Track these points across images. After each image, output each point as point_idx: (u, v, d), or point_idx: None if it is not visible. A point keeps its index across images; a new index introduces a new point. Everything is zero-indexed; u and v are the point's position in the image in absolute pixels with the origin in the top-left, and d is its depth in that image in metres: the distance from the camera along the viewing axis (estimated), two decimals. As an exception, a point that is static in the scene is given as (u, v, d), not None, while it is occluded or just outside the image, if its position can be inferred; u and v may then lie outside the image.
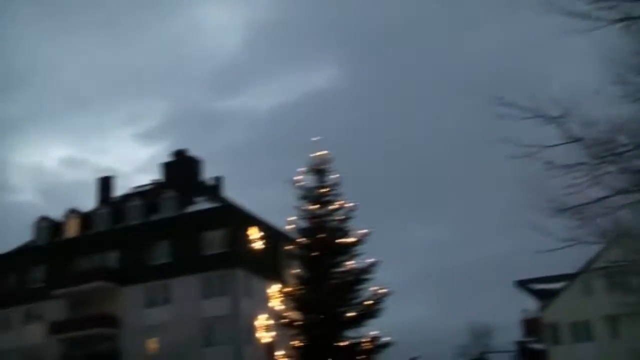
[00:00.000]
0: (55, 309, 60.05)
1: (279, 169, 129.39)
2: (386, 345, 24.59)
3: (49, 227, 65.41)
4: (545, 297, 60.05)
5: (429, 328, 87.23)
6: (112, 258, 59.99)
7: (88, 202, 69.22)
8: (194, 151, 68.51)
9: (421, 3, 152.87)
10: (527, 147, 17.14)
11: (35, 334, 60.62)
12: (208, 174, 68.83)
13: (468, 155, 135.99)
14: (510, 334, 71.66)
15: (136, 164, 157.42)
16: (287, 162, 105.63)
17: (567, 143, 17.05)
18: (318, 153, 26.01)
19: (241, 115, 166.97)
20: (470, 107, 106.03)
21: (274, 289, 56.03)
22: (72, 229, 64.25)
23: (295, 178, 25.87)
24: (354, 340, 25.01)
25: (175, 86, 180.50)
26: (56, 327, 58.86)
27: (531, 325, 62.91)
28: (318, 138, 26.03)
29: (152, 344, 55.90)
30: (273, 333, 53.64)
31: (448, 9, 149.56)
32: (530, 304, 63.56)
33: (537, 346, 61.63)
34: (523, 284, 62.38)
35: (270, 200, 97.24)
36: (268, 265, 56.84)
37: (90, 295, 59.33)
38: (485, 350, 79.73)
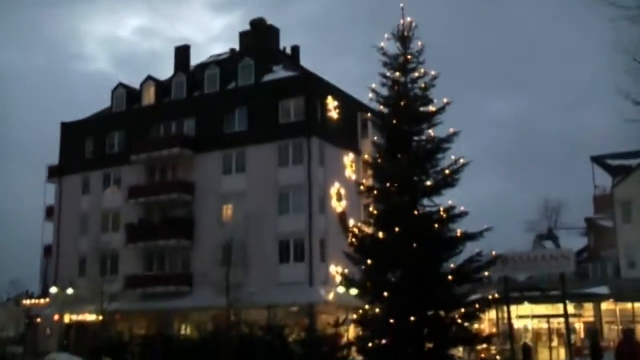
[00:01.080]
0: (133, 174, 61.65)
1: (357, 39, 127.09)
2: (461, 215, 24.59)
3: (127, 95, 66.12)
4: (620, 173, 58.78)
5: (501, 202, 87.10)
6: (189, 126, 60.84)
7: (163, 72, 69.49)
8: (270, 21, 68.19)
9: None
10: (629, 10, 16.60)
11: (114, 197, 62.67)
12: (285, 44, 68.85)
13: (561, 21, 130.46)
14: (581, 210, 71.41)
15: (211, 34, 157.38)
16: (366, 31, 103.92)
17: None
18: (402, 20, 25.56)
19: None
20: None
21: (350, 158, 56.80)
22: (149, 97, 64.97)
23: (377, 45, 25.50)
24: (430, 209, 25.06)
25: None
26: (134, 192, 60.56)
27: (603, 202, 62.14)
28: (402, 5, 25.54)
29: (227, 211, 57.05)
30: (346, 202, 54.45)
31: None
32: (605, 181, 62.64)
33: (607, 223, 61.13)
34: (599, 160, 61.31)
35: (349, 71, 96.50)
36: (344, 135, 57.12)
37: (167, 161, 60.83)
38: (554, 226, 79.80)
